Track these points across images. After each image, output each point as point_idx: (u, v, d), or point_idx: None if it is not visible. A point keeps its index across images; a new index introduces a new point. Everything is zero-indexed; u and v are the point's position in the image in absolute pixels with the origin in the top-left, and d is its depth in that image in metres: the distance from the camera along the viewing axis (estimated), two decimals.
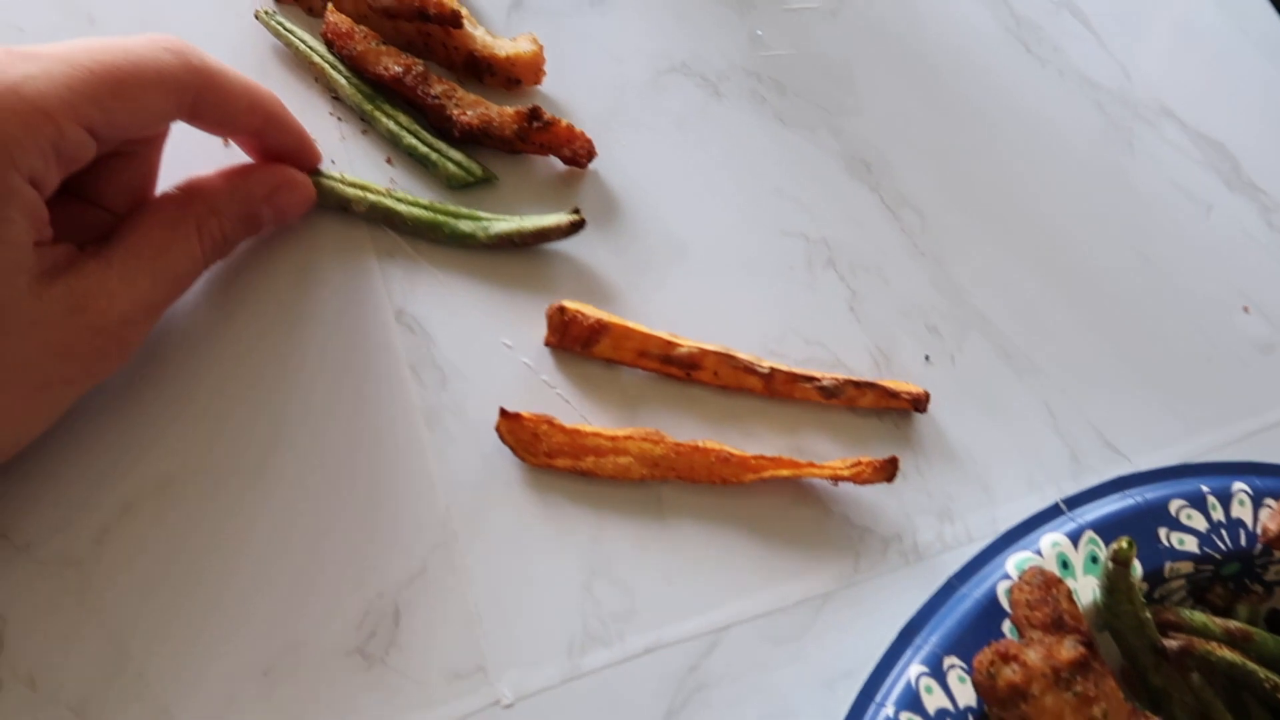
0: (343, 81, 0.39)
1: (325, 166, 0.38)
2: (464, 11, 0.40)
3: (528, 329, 0.37)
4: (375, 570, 0.33)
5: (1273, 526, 0.35)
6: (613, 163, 0.41)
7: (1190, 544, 0.35)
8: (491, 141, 0.39)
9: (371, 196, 0.37)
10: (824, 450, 0.38)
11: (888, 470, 0.36)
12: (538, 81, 0.42)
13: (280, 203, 0.35)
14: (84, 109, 0.28)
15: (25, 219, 0.27)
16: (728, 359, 0.37)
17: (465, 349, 0.37)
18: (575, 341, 0.36)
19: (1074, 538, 0.35)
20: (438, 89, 0.39)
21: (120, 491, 0.33)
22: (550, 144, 0.39)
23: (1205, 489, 0.36)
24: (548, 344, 0.36)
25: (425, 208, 0.38)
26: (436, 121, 0.39)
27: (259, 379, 0.35)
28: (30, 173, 0.27)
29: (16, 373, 0.28)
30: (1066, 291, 0.43)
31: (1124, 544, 0.32)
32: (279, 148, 0.35)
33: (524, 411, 0.35)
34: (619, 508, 0.36)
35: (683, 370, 0.37)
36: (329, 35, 0.39)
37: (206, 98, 0.31)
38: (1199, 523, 0.35)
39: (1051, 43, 0.48)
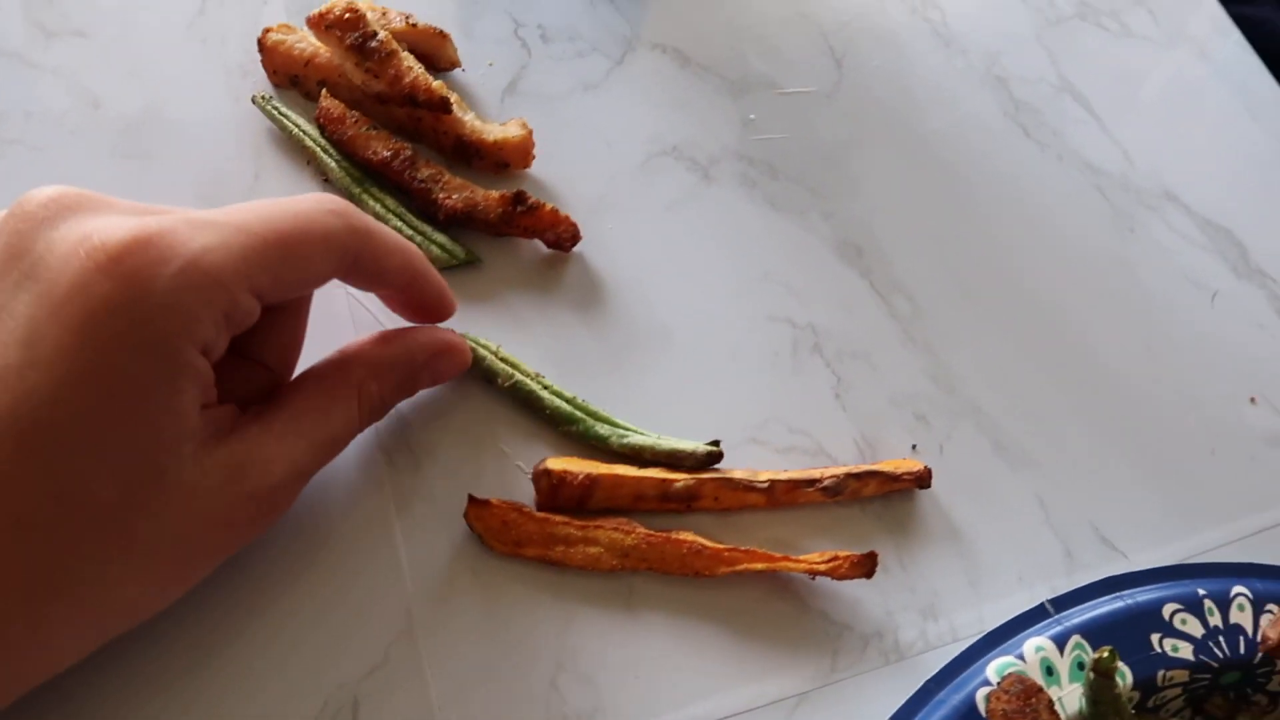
0: (333, 165, 0.40)
1: None
2: (454, 97, 0.41)
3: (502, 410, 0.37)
4: (335, 659, 0.33)
5: (1273, 635, 0.33)
6: (600, 245, 0.41)
7: (1185, 651, 0.33)
8: (476, 225, 0.39)
9: (518, 377, 0.37)
10: (817, 545, 0.37)
11: (866, 566, 0.35)
12: (527, 165, 0.42)
13: (439, 368, 0.35)
14: (256, 278, 0.28)
15: (195, 388, 0.27)
16: (726, 483, 0.36)
17: (440, 431, 0.37)
18: (568, 501, 0.35)
19: (1060, 642, 0.33)
20: (424, 173, 0.39)
21: None
22: (534, 228, 0.39)
23: (1202, 592, 0.35)
24: (539, 508, 0.35)
25: (568, 401, 0.37)
26: (423, 205, 0.39)
27: None
28: (203, 344, 0.27)
29: (172, 542, 0.28)
30: (1064, 380, 0.42)
31: (1105, 654, 0.30)
32: (420, 301, 0.35)
33: (494, 499, 0.35)
34: (588, 598, 0.35)
35: (682, 504, 0.36)
36: (321, 120, 0.40)
37: (364, 258, 0.32)
38: (1194, 628, 0.34)
39: (1051, 127, 0.48)
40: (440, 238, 0.39)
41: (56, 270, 0.26)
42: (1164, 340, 0.43)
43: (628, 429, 0.37)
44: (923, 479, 0.37)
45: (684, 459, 0.36)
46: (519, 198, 0.39)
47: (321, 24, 0.39)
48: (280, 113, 0.41)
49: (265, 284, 0.29)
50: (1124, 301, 0.44)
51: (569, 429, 0.37)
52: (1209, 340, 0.44)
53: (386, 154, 0.39)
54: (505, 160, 0.41)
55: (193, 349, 0.27)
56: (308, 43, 0.41)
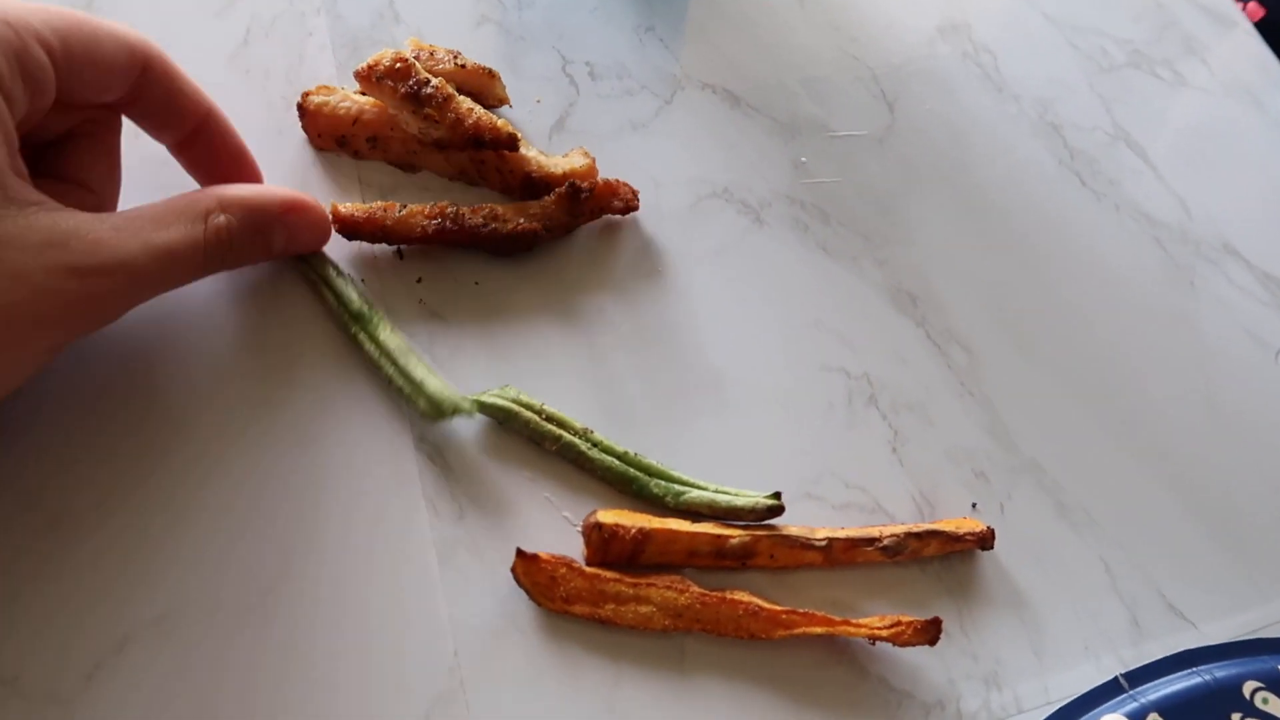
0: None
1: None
2: (518, 134, 0.39)
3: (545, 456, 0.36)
4: (377, 717, 0.31)
5: None
6: (648, 290, 0.40)
7: None
8: (554, 234, 0.39)
9: (565, 438, 0.36)
10: (875, 607, 0.35)
11: (930, 633, 0.33)
12: None
13: (293, 224, 0.35)
14: (43, 31, 0.29)
15: None
16: (782, 540, 0.34)
17: (483, 480, 0.35)
18: (619, 556, 0.34)
19: None
20: (477, 219, 0.38)
21: (116, 625, 0.31)
22: (601, 207, 0.40)
23: None
24: (589, 564, 0.34)
25: (619, 457, 0.36)
26: (498, 247, 0.38)
27: (265, 506, 0.34)
28: None
29: None
30: (1126, 439, 0.40)
31: None
32: (220, 151, 0.36)
33: (542, 553, 0.33)
34: (638, 659, 0.33)
35: (737, 561, 0.34)
36: (344, 229, 0.38)
37: (155, 69, 0.33)
38: (1276, 708, 0.32)
39: (1107, 176, 0.47)
40: (433, 386, 0.35)
41: None
42: (1227, 397, 0.42)
43: (683, 482, 0.36)
44: (985, 540, 0.36)
45: (743, 514, 0.35)
46: (574, 190, 0.39)
47: (371, 76, 0.38)
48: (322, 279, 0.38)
49: (55, 45, 0.29)
50: (1185, 357, 0.43)
51: (623, 489, 0.36)
52: (1273, 398, 0.42)
53: (432, 224, 0.38)
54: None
55: None
56: (351, 100, 0.40)
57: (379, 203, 0.38)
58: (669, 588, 0.33)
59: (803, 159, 0.45)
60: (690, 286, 0.40)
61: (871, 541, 0.35)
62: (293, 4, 0.44)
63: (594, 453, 0.36)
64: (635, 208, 0.40)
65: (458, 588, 0.34)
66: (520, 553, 0.33)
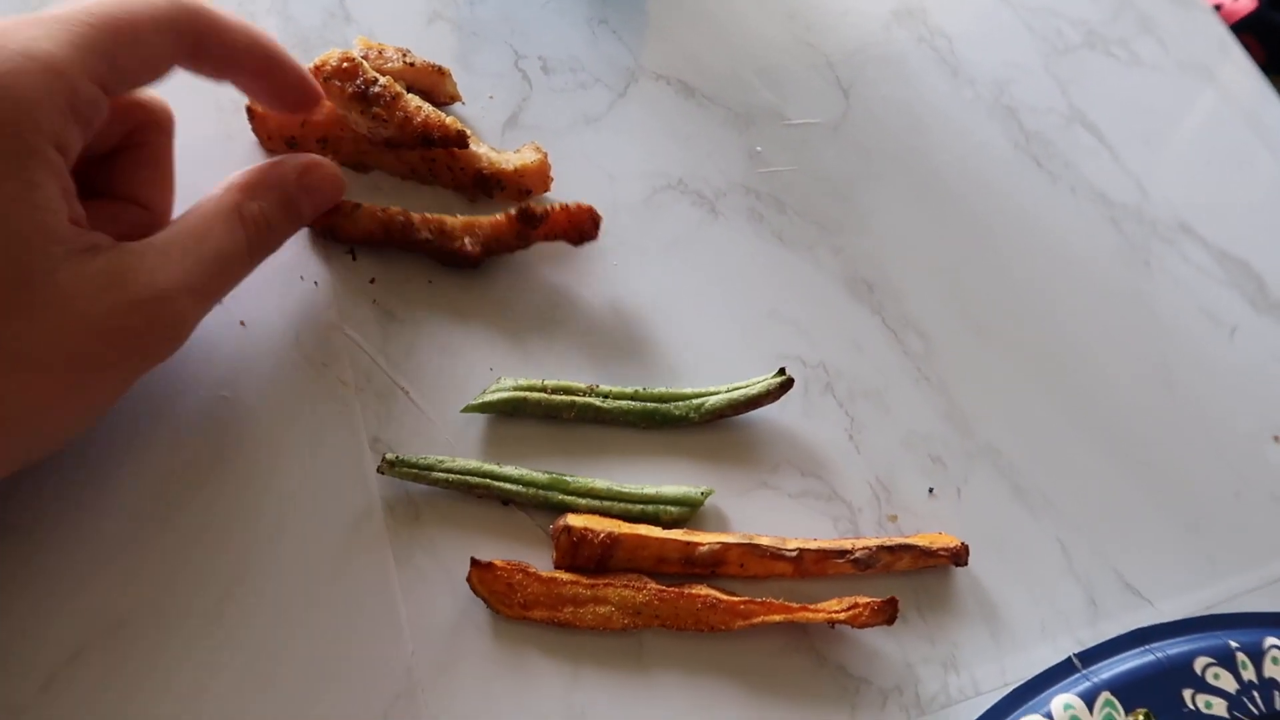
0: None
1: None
2: (468, 131, 0.39)
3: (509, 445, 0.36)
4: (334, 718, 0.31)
5: None
6: (603, 283, 0.40)
7: (1219, 707, 0.32)
8: (499, 254, 0.39)
9: (580, 401, 0.36)
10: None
11: (887, 612, 0.34)
12: (547, 189, 0.41)
13: (311, 183, 0.35)
14: (92, 63, 0.28)
15: (54, 183, 0.27)
16: (753, 549, 0.34)
17: None
18: (588, 561, 0.34)
19: (1089, 699, 0.32)
20: (426, 233, 0.38)
21: (70, 634, 0.31)
22: (555, 234, 0.38)
23: (1234, 645, 0.33)
24: (557, 567, 0.34)
25: (632, 398, 0.37)
26: (441, 259, 0.38)
27: (220, 511, 0.34)
28: (53, 136, 0.27)
29: (55, 352, 0.27)
30: (1082, 421, 0.40)
31: (1141, 716, 0.29)
32: (282, 88, 0.35)
33: (497, 560, 0.33)
34: (597, 657, 0.33)
35: (706, 569, 0.35)
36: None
37: (206, 35, 0.32)
38: (1228, 683, 0.33)
39: (1063, 157, 0.47)
40: (671, 492, 0.36)
41: None
42: (1183, 377, 0.42)
43: (699, 394, 0.37)
44: (959, 555, 0.36)
45: (764, 398, 0.37)
46: (525, 216, 0.38)
47: (319, 77, 0.38)
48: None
49: (105, 71, 0.28)
50: (1141, 337, 0.43)
51: (648, 425, 0.37)
52: (1229, 377, 0.43)
53: (379, 229, 0.38)
54: (527, 187, 0.40)
55: (41, 138, 0.27)
56: None
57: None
58: (626, 586, 0.33)
59: (758, 148, 0.45)
60: (646, 279, 0.40)
61: (843, 554, 0.35)
62: (242, 5, 0.44)
63: (609, 403, 0.36)
64: (593, 238, 0.38)
65: (415, 588, 0.34)
66: (475, 562, 0.33)
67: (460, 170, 0.40)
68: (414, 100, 0.38)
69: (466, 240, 0.38)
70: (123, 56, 0.29)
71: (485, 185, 0.40)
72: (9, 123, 0.26)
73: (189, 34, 0.31)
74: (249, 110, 0.40)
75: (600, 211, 0.41)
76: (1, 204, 0.26)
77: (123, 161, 0.33)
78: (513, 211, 0.38)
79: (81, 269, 0.27)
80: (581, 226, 0.38)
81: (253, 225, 0.33)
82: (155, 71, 0.31)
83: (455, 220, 0.38)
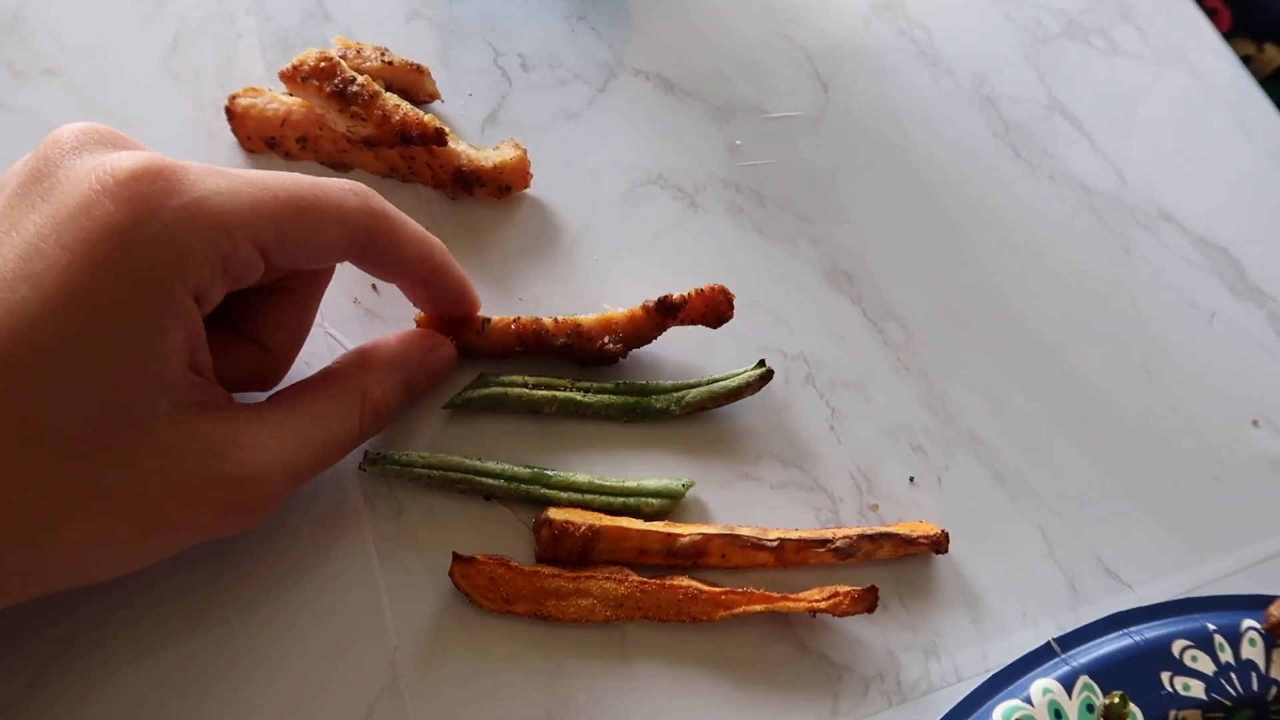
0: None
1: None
2: (446, 129, 0.39)
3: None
4: (318, 715, 0.31)
5: (1276, 613, 0.33)
6: (585, 278, 0.40)
7: (1196, 690, 0.32)
8: (640, 345, 0.38)
9: (561, 395, 0.36)
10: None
11: (867, 600, 0.34)
12: (526, 185, 0.41)
13: (431, 366, 0.35)
14: (261, 229, 0.28)
15: (181, 333, 0.26)
16: (734, 540, 0.35)
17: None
18: (570, 554, 0.34)
19: (1067, 683, 0.32)
20: (561, 338, 0.37)
21: (57, 630, 0.32)
22: (694, 317, 0.37)
23: (1212, 627, 0.34)
24: (539, 560, 0.34)
25: (613, 392, 0.37)
26: (583, 361, 0.38)
27: None
28: (195, 287, 0.27)
29: (134, 503, 0.26)
30: (1063, 407, 0.41)
31: (1116, 698, 0.29)
32: (443, 296, 0.35)
33: (479, 554, 0.33)
34: (580, 650, 0.34)
35: (688, 560, 0.35)
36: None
37: (380, 241, 0.31)
38: (1205, 665, 0.33)
39: (1042, 147, 0.47)
40: (652, 484, 0.36)
41: (68, 192, 0.26)
42: (1163, 363, 0.42)
43: (679, 386, 0.37)
44: (939, 543, 0.36)
45: (744, 390, 0.37)
46: (664, 306, 0.37)
47: (297, 76, 0.38)
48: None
49: (271, 239, 0.28)
50: (1121, 323, 0.43)
51: (630, 418, 0.37)
52: (1209, 362, 0.43)
53: (514, 340, 0.37)
54: (506, 183, 0.40)
55: (182, 287, 0.26)
56: (279, 101, 0.40)
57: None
58: (608, 578, 0.34)
59: (738, 142, 0.45)
60: (627, 273, 0.41)
61: (824, 543, 0.35)
62: (221, 5, 0.44)
63: (590, 397, 0.36)
64: (729, 318, 0.37)
65: (398, 583, 0.34)
66: (457, 557, 0.33)
67: (440, 168, 0.40)
68: (392, 99, 0.38)
69: (607, 340, 0.37)
70: (294, 235, 0.29)
71: (465, 182, 0.40)
72: (161, 266, 0.26)
73: (365, 236, 0.31)
74: (228, 111, 0.40)
75: (581, 207, 0.41)
76: (121, 346, 0.25)
77: (265, 303, 0.32)
78: (650, 303, 0.37)
79: (184, 428, 0.26)
80: (719, 308, 0.37)
81: (371, 409, 0.32)
82: (320, 258, 0.31)
83: (589, 320, 0.37)
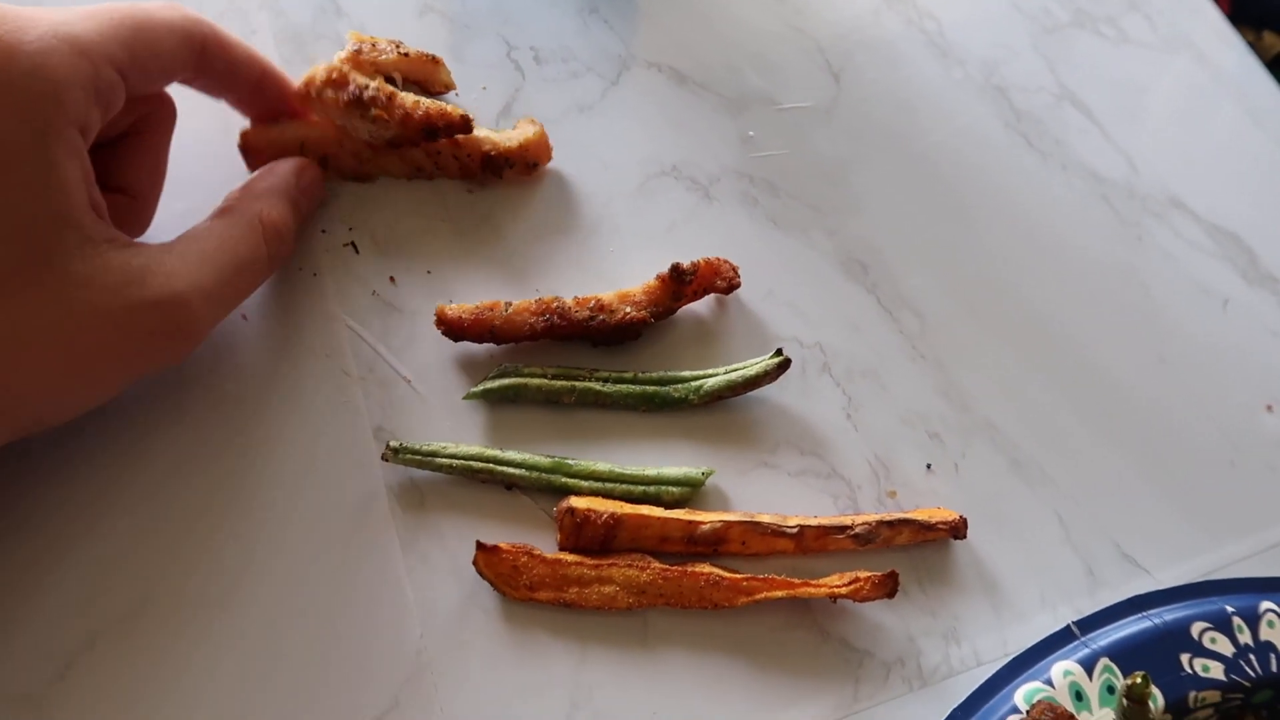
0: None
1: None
2: (470, 115, 0.39)
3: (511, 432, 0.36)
4: (344, 705, 0.32)
5: None
6: (600, 271, 0.40)
7: (1216, 671, 0.33)
8: (659, 318, 0.38)
9: (580, 385, 0.37)
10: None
11: (888, 585, 0.34)
12: (550, 158, 0.42)
13: (304, 184, 0.37)
14: (113, 49, 0.29)
15: (75, 165, 0.28)
16: (754, 527, 0.35)
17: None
18: (591, 542, 0.34)
19: (1088, 666, 0.32)
20: (583, 311, 0.37)
21: (84, 623, 0.32)
22: (704, 288, 0.39)
23: (1230, 609, 0.34)
24: (561, 549, 0.35)
25: (632, 382, 0.37)
26: (607, 335, 0.38)
27: (229, 502, 0.34)
28: (76, 117, 0.28)
29: (61, 336, 0.27)
30: (1077, 394, 0.41)
31: (1138, 679, 0.29)
32: (275, 95, 0.38)
33: (502, 543, 0.34)
34: (603, 637, 0.34)
35: (709, 547, 0.35)
36: (447, 329, 0.37)
37: (211, 46, 0.34)
38: (1224, 647, 0.33)
39: (1053, 136, 0.47)
40: (672, 473, 0.36)
41: None
42: (1177, 350, 0.43)
43: (696, 376, 0.38)
44: (958, 529, 0.36)
45: (762, 379, 0.37)
46: (677, 273, 0.38)
47: (310, 93, 0.38)
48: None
49: (124, 59, 0.29)
50: (1134, 311, 0.43)
51: (648, 408, 0.37)
52: (1222, 349, 0.43)
53: (540, 321, 0.37)
54: (533, 159, 0.41)
55: (63, 118, 0.27)
56: (291, 128, 0.39)
57: (485, 302, 0.37)
58: (630, 566, 0.34)
59: (750, 133, 0.45)
60: (642, 264, 0.41)
61: (843, 529, 0.36)
62: (233, 2, 0.44)
63: (609, 387, 0.37)
64: (738, 285, 0.39)
65: (422, 573, 0.34)
66: (480, 545, 0.33)
67: (467, 157, 0.40)
68: (409, 96, 0.39)
69: (629, 309, 0.38)
70: (141, 51, 0.30)
71: (494, 166, 0.40)
72: (36, 100, 0.26)
73: (198, 42, 0.33)
74: (242, 149, 0.39)
75: (595, 199, 0.42)
76: (21, 182, 0.26)
77: (121, 151, 0.34)
78: (663, 273, 0.38)
79: (97, 262, 0.28)
80: (724, 272, 0.39)
81: (273, 232, 0.34)
82: (166, 72, 0.32)
83: (608, 295, 0.38)
